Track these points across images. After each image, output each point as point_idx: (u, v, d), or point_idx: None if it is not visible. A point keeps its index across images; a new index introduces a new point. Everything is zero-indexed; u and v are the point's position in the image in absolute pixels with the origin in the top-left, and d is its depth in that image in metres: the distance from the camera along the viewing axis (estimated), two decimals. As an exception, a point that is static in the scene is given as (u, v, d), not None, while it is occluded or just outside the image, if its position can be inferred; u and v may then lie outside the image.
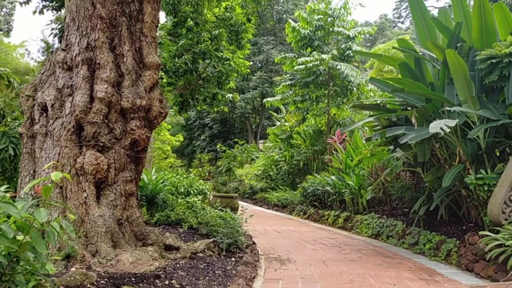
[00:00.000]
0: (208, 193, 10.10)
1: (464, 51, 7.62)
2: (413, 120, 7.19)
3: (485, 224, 7.10)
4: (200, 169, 12.90)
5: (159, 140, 23.55)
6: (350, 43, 15.98)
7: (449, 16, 8.52)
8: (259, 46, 31.62)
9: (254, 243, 7.44)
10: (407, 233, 8.41)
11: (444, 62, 7.61)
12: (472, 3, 8.26)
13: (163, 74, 17.27)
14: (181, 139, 24.80)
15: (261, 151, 25.11)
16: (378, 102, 9.01)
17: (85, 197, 4.81)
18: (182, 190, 9.72)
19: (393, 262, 6.77)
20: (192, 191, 9.83)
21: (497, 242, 5.60)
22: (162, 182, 8.91)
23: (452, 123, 6.34)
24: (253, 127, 33.39)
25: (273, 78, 26.30)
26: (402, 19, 55.70)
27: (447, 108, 7.00)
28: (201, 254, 5.54)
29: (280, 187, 18.28)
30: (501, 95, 7.39)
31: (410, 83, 7.39)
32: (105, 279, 4.20)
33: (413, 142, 7.31)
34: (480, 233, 6.12)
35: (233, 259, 5.86)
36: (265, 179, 20.19)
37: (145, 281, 4.32)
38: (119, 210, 4.87)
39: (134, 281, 4.27)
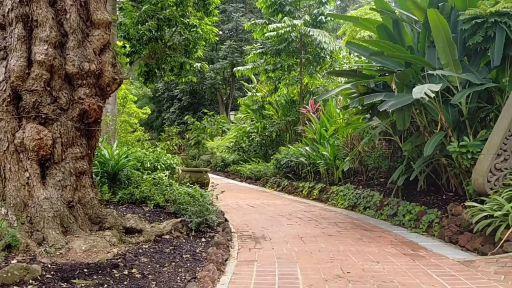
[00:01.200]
0: (177, 168, 9.51)
1: (446, 11, 7.14)
2: (393, 86, 6.74)
3: (467, 194, 6.81)
4: (168, 142, 12.27)
5: (126, 112, 22.56)
6: (322, 8, 15.33)
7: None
8: (228, 14, 30.52)
9: (226, 220, 6.95)
10: (385, 204, 8.10)
11: (425, 23, 7.12)
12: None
13: (126, 42, 16.28)
14: (149, 111, 23.83)
15: (233, 122, 24.49)
16: (355, 68, 8.50)
17: (28, 177, 4.15)
18: (149, 165, 9.07)
19: (373, 235, 6.42)
20: (159, 166, 9.20)
21: (484, 213, 5.27)
22: (126, 157, 8.26)
23: (436, 87, 5.91)
24: (224, 98, 32.61)
25: (244, 47, 25.45)
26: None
27: (429, 72, 6.56)
28: (167, 236, 5.00)
29: (253, 159, 17.83)
30: (484, 58, 7.00)
31: (390, 46, 6.90)
32: (52, 272, 3.62)
33: (392, 110, 6.89)
34: (466, 203, 5.79)
35: (203, 239, 5.36)
36: (237, 151, 19.67)
37: (100, 272, 3.77)
38: (69, 191, 4.23)
39: (87, 273, 3.71)
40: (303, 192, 11.62)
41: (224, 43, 29.29)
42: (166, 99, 36.29)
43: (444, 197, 7.44)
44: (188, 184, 7.27)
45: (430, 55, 7.28)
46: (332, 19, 15.36)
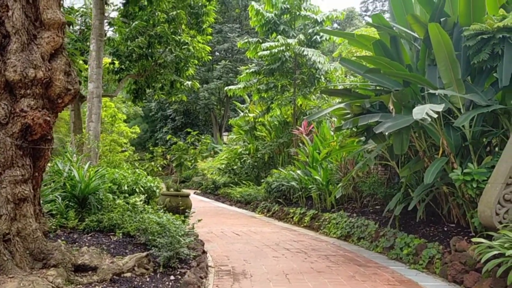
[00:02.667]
0: (157, 191, 8.81)
1: (448, 27, 6.61)
2: (390, 106, 6.15)
3: (471, 226, 6.16)
4: (152, 163, 11.69)
5: (115, 132, 21.92)
6: (317, 28, 14.90)
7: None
8: (224, 34, 30.22)
9: (204, 251, 6.24)
10: (381, 235, 7.42)
11: (426, 39, 6.59)
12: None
13: (115, 59, 15.77)
14: (138, 130, 23.17)
15: (225, 143, 23.88)
16: (349, 87, 7.94)
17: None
18: (126, 188, 8.38)
19: (367, 272, 5.72)
20: (137, 189, 8.52)
21: (494, 252, 4.61)
22: (101, 179, 7.58)
23: (439, 108, 5.32)
24: (218, 119, 32.04)
25: (239, 68, 25.03)
26: (369, 13, 55.24)
27: (430, 91, 5.99)
28: (128, 274, 4.30)
29: (244, 182, 17.13)
30: (489, 78, 6.44)
31: (387, 63, 6.34)
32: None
33: (389, 132, 6.28)
34: (473, 239, 5.12)
35: (172, 277, 4.65)
36: (228, 174, 18.98)
37: (31, 323, 3.06)
38: (4, 222, 3.52)
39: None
40: (294, 218, 10.92)
41: (219, 63, 28.88)
42: (160, 119, 35.72)
43: (445, 229, 6.78)
44: (163, 210, 6.59)
45: (430, 74, 6.72)
46: (328, 38, 14.91)
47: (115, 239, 5.87)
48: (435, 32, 5.94)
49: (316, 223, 9.81)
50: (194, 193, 22.29)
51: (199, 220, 6.67)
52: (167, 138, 11.60)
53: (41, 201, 6.42)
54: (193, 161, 9.56)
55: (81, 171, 7.11)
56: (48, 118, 3.78)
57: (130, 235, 6.07)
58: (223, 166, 19.65)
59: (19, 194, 3.67)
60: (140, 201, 6.99)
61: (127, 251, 5.27)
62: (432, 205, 7.32)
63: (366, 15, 54.11)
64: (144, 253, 4.64)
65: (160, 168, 10.29)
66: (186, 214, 6.39)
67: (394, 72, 6.26)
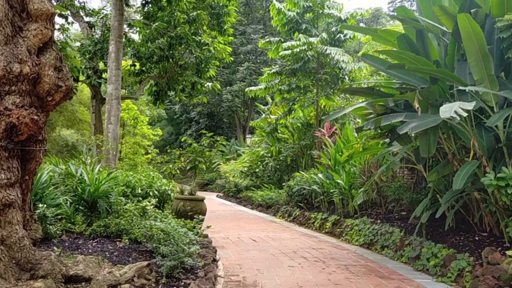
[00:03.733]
0: (172, 194, 8.54)
1: (479, 19, 6.07)
2: (416, 105, 5.67)
3: (505, 236, 5.62)
4: (170, 166, 11.41)
5: (138, 134, 21.92)
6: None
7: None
8: (247, 36, 29.95)
9: (214, 260, 5.89)
10: (406, 244, 6.90)
11: (455, 32, 6.08)
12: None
13: (135, 60, 15.69)
14: (160, 133, 23.10)
15: (248, 146, 23.56)
16: (372, 85, 7.47)
17: None
18: (140, 192, 8.14)
19: (390, 286, 5.26)
20: (151, 193, 8.26)
21: (533, 267, 4.09)
22: (112, 182, 7.36)
23: (470, 106, 4.82)
24: (242, 121, 31.77)
25: (262, 69, 24.70)
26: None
27: (460, 88, 5.48)
28: (126, 286, 3.98)
29: (265, 185, 16.75)
30: (526, 74, 5.88)
31: (412, 58, 5.86)
32: None
33: (415, 133, 5.81)
34: (508, 252, 4.60)
35: (175, 289, 4.32)
36: (250, 176, 18.64)
37: None
38: (-14, 230, 3.28)
39: None
40: (315, 224, 10.46)
41: (242, 65, 28.62)
42: (184, 122, 35.72)
43: (476, 238, 6.24)
44: (174, 214, 6.29)
45: (460, 70, 6.20)
46: (352, 37, 14.38)
47: (121, 245, 5.60)
48: (465, 24, 5.43)
49: (338, 229, 9.34)
50: (217, 196, 22.05)
51: (208, 227, 6.35)
52: (182, 139, 11.34)
53: (49, 205, 6.23)
54: (208, 163, 9.29)
55: (91, 174, 6.88)
56: (36, 117, 3.51)
57: (137, 242, 5.79)
58: (245, 169, 19.32)
59: (4, 199, 3.40)
60: (151, 205, 6.69)
61: (130, 259, 4.97)
62: (462, 212, 6.77)
63: (393, 15, 52.69)
64: (145, 262, 4.33)
65: (178, 171, 10.06)
66: (195, 219, 6.04)
67: (420, 68, 5.77)
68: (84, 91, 19.37)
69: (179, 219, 6.68)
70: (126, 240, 5.69)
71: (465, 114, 4.71)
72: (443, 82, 6.11)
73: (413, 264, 6.39)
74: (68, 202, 6.38)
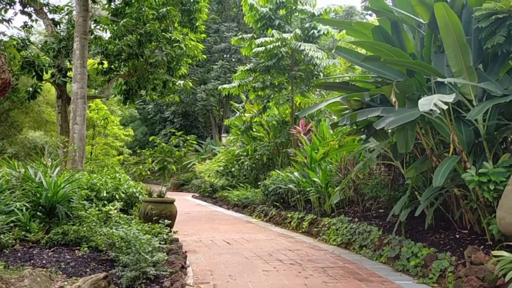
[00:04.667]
0: (141, 197, 8.09)
1: (456, 9, 5.86)
2: (393, 98, 5.42)
3: (487, 233, 5.42)
4: (140, 166, 10.92)
5: (110, 135, 21.23)
6: (315, 22, 14.15)
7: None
8: (221, 34, 29.50)
9: (183, 266, 5.50)
10: (385, 243, 6.67)
11: (431, 23, 5.86)
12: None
13: (103, 58, 15.07)
14: (132, 133, 22.47)
15: (224, 145, 23.15)
16: (347, 79, 7.19)
17: None
18: (105, 195, 7.67)
19: (369, 289, 4.97)
20: (117, 196, 7.80)
21: (520, 268, 3.86)
22: (74, 185, 6.88)
23: (449, 98, 4.58)
24: (218, 120, 31.30)
25: (236, 68, 24.33)
26: (370, 12, 54.14)
27: (438, 80, 5.24)
28: (79, 302, 3.57)
29: (241, 184, 16.39)
30: (505, 65, 5.69)
31: (387, 50, 5.60)
32: None
33: (392, 128, 5.54)
34: (493, 253, 4.36)
35: (136, 303, 3.91)
36: (225, 176, 18.23)
37: None
38: None
39: None
40: (292, 223, 10.17)
41: (216, 63, 28.18)
42: (158, 121, 35.02)
43: (457, 236, 6.04)
44: (141, 218, 5.86)
45: (437, 62, 5.98)
46: (325, 33, 14.14)
47: (80, 254, 5.15)
48: (442, 13, 5.20)
49: (315, 229, 9.07)
50: (192, 196, 21.57)
51: (174, 232, 5.94)
52: (150, 139, 10.86)
53: (1, 211, 5.72)
54: (178, 164, 8.91)
55: (48, 177, 6.39)
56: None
57: (98, 250, 5.35)
58: (221, 168, 18.90)
59: None
60: (115, 209, 6.25)
61: (87, 270, 4.54)
62: (442, 209, 6.56)
63: (367, 14, 53.08)
64: (102, 274, 3.91)
65: (148, 172, 9.61)
66: (160, 223, 5.63)
67: (396, 60, 5.52)
68: (51, 91, 18.62)
69: (146, 224, 6.26)
70: (86, 249, 5.24)
71: (445, 107, 4.46)
72: (420, 75, 5.88)
73: (392, 264, 6.15)
74: (24, 208, 5.89)
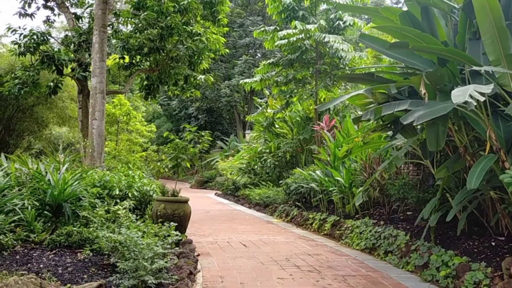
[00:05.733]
0: (155, 195, 7.77)
1: (494, -10, 5.24)
2: (422, 90, 4.87)
3: (528, 242, 4.82)
4: (158, 163, 10.65)
5: (134, 131, 21.13)
6: (340, 13, 13.55)
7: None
8: (245, 28, 29.07)
9: (191, 273, 5.11)
10: (412, 249, 6.13)
11: (465, 7, 5.27)
12: None
13: (124, 53, 14.88)
14: (154, 129, 22.33)
15: (247, 142, 22.78)
16: (372, 71, 6.65)
17: None
18: (117, 193, 7.38)
19: (393, 303, 4.47)
20: (130, 194, 7.50)
21: None
22: (83, 182, 6.62)
23: (487, 89, 4.02)
24: (242, 116, 30.95)
25: (260, 62, 23.91)
26: (400, 5, 52.54)
27: (473, 68, 4.66)
28: (66, 314, 3.22)
29: (263, 183, 15.96)
30: (550, 53, 5.04)
31: (416, 36, 5.04)
32: None
33: (422, 123, 5.01)
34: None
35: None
36: (248, 174, 17.85)
37: None
38: None
39: None
40: (313, 225, 9.68)
41: (240, 58, 27.79)
42: (183, 118, 34.92)
43: (493, 244, 5.45)
44: (153, 219, 5.51)
45: (472, 50, 5.39)
46: (352, 24, 13.52)
47: (81, 258, 4.83)
48: (479, -6, 4.61)
49: (338, 232, 8.55)
50: (215, 194, 21.30)
51: (185, 236, 5.52)
52: (164, 135, 10.56)
53: (3, 210, 5.48)
54: (191, 161, 8.65)
55: (55, 174, 6.12)
56: None
57: (101, 253, 5.03)
58: (243, 165, 18.53)
59: None
60: (124, 208, 5.92)
61: (85, 276, 4.20)
62: (476, 213, 5.96)
63: (397, 7, 51.30)
64: (96, 283, 3.56)
65: (166, 169, 9.31)
66: (164, 226, 5.27)
67: (426, 47, 4.95)
68: (75, 86, 18.63)
69: (156, 224, 5.91)
70: (89, 252, 4.93)
71: (482, 98, 3.90)
72: (453, 64, 5.30)
73: (420, 274, 5.61)
74: (29, 207, 5.63)
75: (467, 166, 5.50)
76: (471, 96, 3.80)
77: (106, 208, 6.18)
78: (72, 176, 6.26)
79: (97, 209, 6.08)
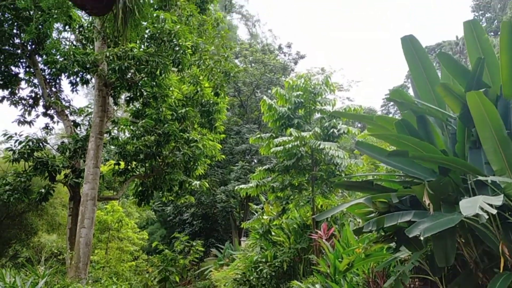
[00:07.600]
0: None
1: (490, 99, 5.23)
2: (426, 200, 4.60)
3: None
4: (147, 275, 9.92)
5: (125, 239, 20.38)
6: (334, 121, 13.81)
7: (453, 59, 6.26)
8: (242, 135, 29.70)
9: None
10: None
11: (463, 115, 5.22)
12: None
13: (120, 159, 14.87)
14: (146, 236, 21.56)
15: (242, 250, 21.87)
16: (370, 179, 6.44)
17: None
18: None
19: None
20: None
21: None
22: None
23: (497, 200, 3.75)
24: (237, 223, 30.25)
25: (256, 168, 23.97)
26: (391, 115, 54.64)
27: (479, 178, 4.43)
28: None
29: (259, 296, 14.92)
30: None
31: (415, 144, 4.90)
32: None
33: (427, 236, 4.64)
34: None
35: None
36: (243, 285, 16.77)
37: None
38: None
39: None
40: None
41: (237, 164, 27.96)
42: (178, 224, 34.07)
43: None
44: None
45: (474, 159, 5.22)
46: (346, 131, 13.71)
47: None
48: (477, 103, 4.57)
49: None
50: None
51: None
52: (153, 244, 9.99)
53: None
54: (180, 275, 8.07)
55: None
56: None
57: None
58: (238, 276, 17.52)
59: None
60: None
61: None
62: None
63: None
64: None
65: (155, 282, 8.63)
66: None
67: (427, 156, 4.79)
68: (68, 193, 18.34)
69: None
70: None
71: (493, 211, 3.62)
72: (456, 173, 5.09)
73: None
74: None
75: (480, 283, 5.02)
76: (481, 209, 3.51)
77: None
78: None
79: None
